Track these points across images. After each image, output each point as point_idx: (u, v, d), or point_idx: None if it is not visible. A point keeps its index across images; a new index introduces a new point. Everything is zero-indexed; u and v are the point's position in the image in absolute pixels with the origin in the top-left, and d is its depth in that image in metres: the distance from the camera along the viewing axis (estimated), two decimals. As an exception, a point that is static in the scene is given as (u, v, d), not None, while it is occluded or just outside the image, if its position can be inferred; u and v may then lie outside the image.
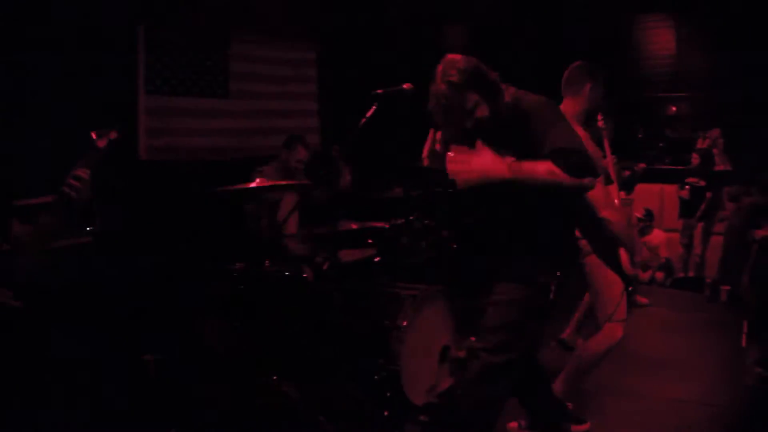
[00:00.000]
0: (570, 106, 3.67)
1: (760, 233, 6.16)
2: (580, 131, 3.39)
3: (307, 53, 6.09)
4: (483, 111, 2.81)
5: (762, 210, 6.74)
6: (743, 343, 5.53)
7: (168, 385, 4.09)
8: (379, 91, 3.47)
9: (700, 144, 9.26)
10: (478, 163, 2.74)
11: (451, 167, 2.80)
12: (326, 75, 6.16)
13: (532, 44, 8.41)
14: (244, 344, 3.94)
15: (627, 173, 6.33)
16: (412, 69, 5.12)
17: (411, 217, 4.41)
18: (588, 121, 3.78)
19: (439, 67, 2.85)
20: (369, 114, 3.43)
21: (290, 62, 5.93)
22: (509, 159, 2.71)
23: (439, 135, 3.07)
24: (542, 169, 2.64)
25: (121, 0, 4.68)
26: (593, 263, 3.73)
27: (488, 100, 2.82)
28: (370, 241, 4.35)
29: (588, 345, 3.89)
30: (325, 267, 4.02)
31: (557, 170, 2.61)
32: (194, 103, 5.23)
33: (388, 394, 3.75)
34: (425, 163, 3.26)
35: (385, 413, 3.70)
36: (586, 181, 2.72)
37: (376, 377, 3.75)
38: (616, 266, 3.66)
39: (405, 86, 3.47)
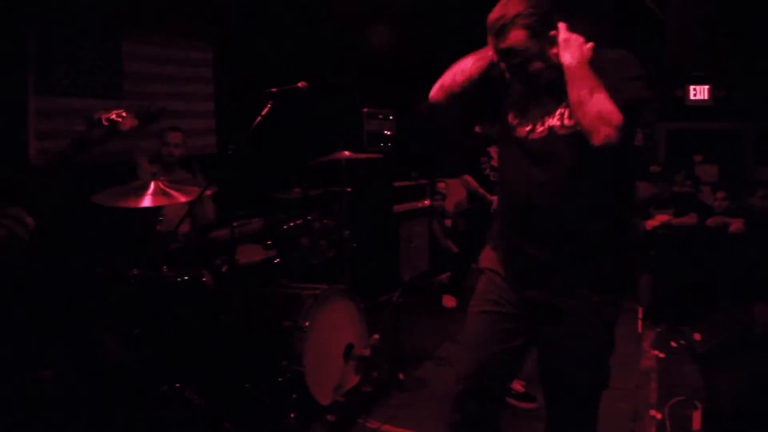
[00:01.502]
0: None
1: (650, 224, 6.42)
2: None
3: (203, 53, 5.97)
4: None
5: (653, 201, 7.04)
6: (639, 329, 5.75)
7: (66, 399, 3.94)
8: (273, 89, 3.45)
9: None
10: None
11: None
12: (223, 75, 6.06)
13: (455, 47, 8.49)
14: (143, 352, 3.83)
15: None
16: (308, 68, 5.11)
17: (309, 217, 4.39)
18: None
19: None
20: (264, 113, 3.40)
21: (187, 62, 5.80)
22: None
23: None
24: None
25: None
26: None
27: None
28: (269, 242, 4.30)
29: None
30: (224, 269, 3.96)
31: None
32: (87, 104, 5.04)
33: (294, 396, 3.72)
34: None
35: (292, 415, 3.66)
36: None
37: (280, 379, 3.71)
38: None
39: (300, 84, 3.47)
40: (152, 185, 3.68)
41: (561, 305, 2.31)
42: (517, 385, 4.16)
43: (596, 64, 2.14)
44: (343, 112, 6.51)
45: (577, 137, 2.14)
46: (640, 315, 6.04)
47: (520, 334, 2.46)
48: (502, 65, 2.28)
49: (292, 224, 4.35)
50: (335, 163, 4.44)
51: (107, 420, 3.61)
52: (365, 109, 6.57)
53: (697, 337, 5.05)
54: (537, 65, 2.24)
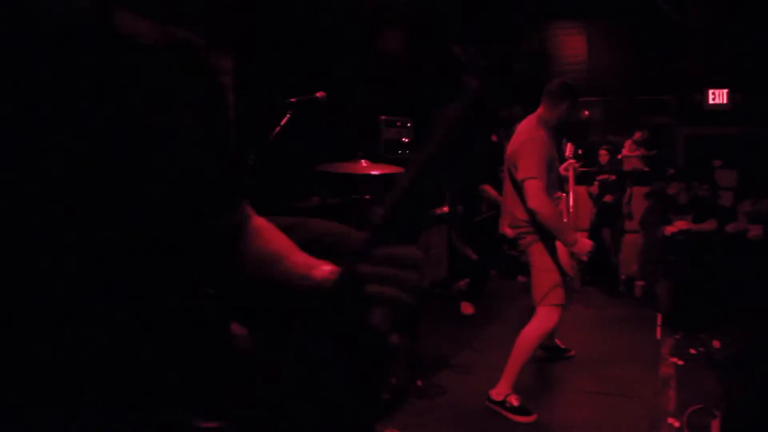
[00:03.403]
0: (545, 112, 4.18)
1: (669, 230, 6.39)
2: (543, 133, 4.07)
3: (223, 62, 6.02)
4: None
5: (673, 207, 7.02)
6: (658, 336, 5.73)
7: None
8: (292, 99, 3.47)
9: (628, 146, 9.64)
10: None
11: None
12: (243, 83, 6.09)
13: (445, 53, 8.51)
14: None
15: None
16: (326, 76, 5.15)
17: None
18: (554, 128, 4.21)
19: None
20: (283, 122, 3.43)
21: (206, 72, 5.85)
22: None
23: None
24: None
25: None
26: (534, 250, 4.12)
27: None
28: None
29: (525, 331, 4.13)
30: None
31: None
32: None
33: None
34: None
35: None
36: None
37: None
38: (553, 256, 4.08)
39: (318, 94, 3.50)
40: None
41: None
42: (513, 399, 4.09)
43: None
44: (360, 120, 6.54)
45: None
46: (659, 322, 6.03)
47: None
48: None
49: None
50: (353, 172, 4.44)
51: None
52: (383, 117, 6.60)
53: (716, 344, 5.03)
54: None
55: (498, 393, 4.13)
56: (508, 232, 4.39)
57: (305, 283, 1.09)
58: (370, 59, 6.95)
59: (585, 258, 4.01)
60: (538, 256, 4.15)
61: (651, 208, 7.46)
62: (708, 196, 7.16)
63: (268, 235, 1.16)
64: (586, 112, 10.94)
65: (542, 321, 4.12)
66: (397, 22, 6.99)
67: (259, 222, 1.15)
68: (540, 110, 4.23)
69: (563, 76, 10.89)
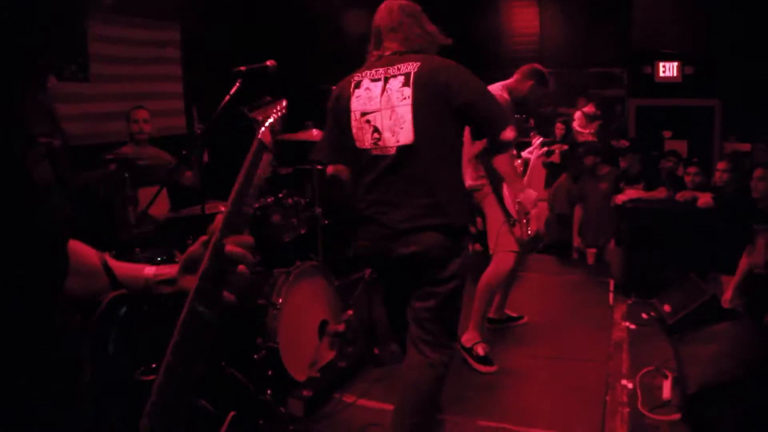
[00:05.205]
0: (514, 83, 4.58)
1: (620, 198, 6.47)
2: (507, 98, 4.36)
3: (170, 33, 5.91)
4: None
5: (624, 176, 7.11)
6: (610, 301, 5.82)
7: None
8: (241, 68, 3.43)
9: (578, 118, 9.72)
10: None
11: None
12: (190, 56, 6.00)
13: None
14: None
15: None
16: (277, 47, 5.07)
17: (280, 195, 4.34)
18: (516, 101, 4.52)
19: None
20: (232, 91, 3.38)
21: (153, 43, 5.73)
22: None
23: None
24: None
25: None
26: (489, 201, 4.43)
27: None
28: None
29: (483, 276, 4.43)
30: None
31: None
32: (53, 87, 4.98)
33: (270, 373, 3.72)
34: None
35: (268, 391, 3.67)
36: None
37: (255, 356, 3.71)
38: (501, 202, 4.35)
39: (268, 63, 3.46)
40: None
41: None
42: (479, 348, 4.34)
43: None
44: (311, 89, 6.48)
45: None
46: (611, 288, 6.12)
47: None
48: None
49: (263, 202, 4.31)
50: (304, 142, 4.39)
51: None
52: (333, 87, 6.52)
53: (666, 308, 5.13)
54: None
55: (468, 339, 4.40)
56: (468, 183, 4.43)
57: (139, 282, 1.36)
58: (324, 29, 6.88)
59: (529, 207, 4.04)
60: (491, 207, 4.42)
61: (583, 179, 7.52)
62: (672, 166, 7.24)
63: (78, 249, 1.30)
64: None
65: (498, 264, 4.41)
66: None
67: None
68: (511, 80, 4.60)
69: (516, 48, 11.03)
